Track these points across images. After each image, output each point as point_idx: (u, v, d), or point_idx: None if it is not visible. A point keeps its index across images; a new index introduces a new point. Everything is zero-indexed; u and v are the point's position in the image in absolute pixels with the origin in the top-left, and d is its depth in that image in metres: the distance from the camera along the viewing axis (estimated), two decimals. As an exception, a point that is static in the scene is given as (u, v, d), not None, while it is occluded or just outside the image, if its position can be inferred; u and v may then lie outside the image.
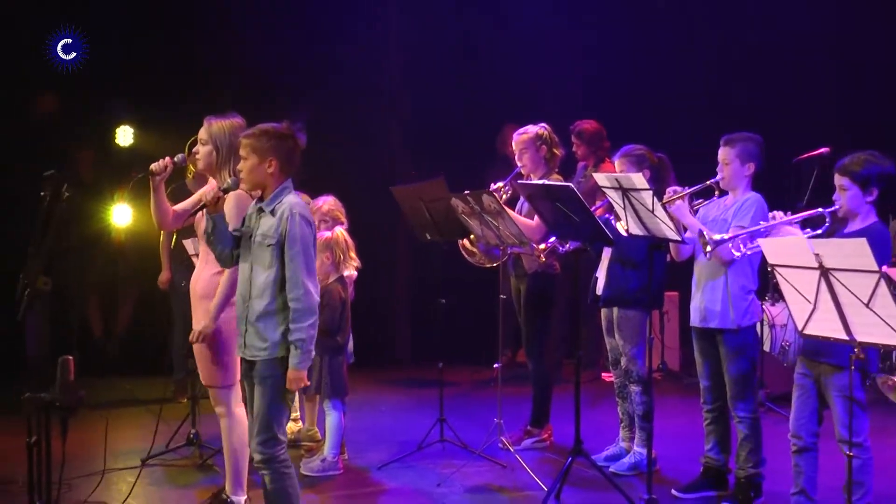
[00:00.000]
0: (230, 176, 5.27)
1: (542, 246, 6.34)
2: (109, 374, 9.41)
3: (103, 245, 9.68)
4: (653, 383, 5.61)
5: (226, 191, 4.96)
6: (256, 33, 10.18)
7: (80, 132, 10.02)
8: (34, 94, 10.06)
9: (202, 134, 5.52)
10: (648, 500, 5.43)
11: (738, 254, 5.36)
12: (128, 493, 6.05)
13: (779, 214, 5.17)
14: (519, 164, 7.00)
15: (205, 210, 4.88)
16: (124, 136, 9.85)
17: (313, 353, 4.79)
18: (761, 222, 5.40)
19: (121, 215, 8.72)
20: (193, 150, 5.60)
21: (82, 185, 9.31)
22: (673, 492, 6.05)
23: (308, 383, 4.82)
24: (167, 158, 5.57)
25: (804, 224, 5.15)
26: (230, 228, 4.93)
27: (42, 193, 5.24)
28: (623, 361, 6.55)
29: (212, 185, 5.37)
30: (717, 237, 5.30)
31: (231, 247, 4.92)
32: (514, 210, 6.81)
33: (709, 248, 5.32)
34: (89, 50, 9.88)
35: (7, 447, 6.78)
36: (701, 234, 5.34)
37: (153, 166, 5.51)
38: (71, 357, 4.60)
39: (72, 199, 5.13)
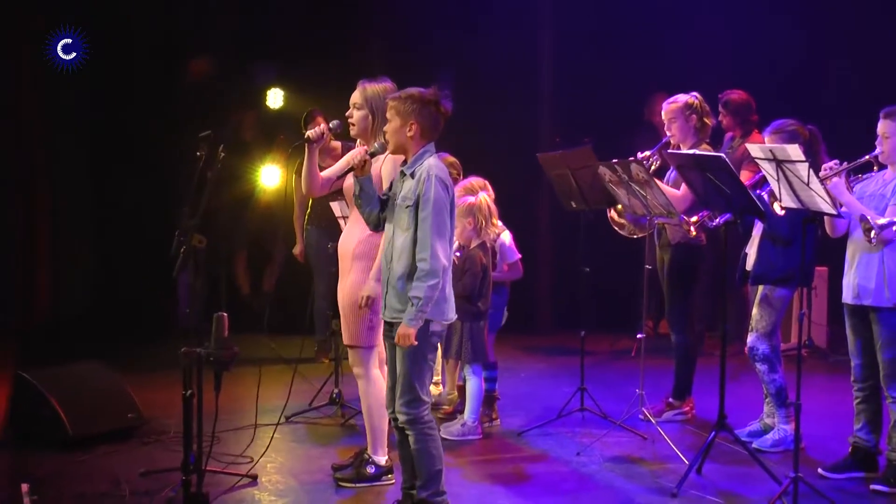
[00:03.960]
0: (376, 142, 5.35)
1: (695, 218, 6.23)
2: (255, 331, 9.63)
3: (252, 205, 9.91)
4: (799, 360, 5.44)
5: (373, 154, 5.03)
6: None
7: (233, 95, 10.26)
8: (189, 58, 10.34)
9: (357, 98, 5.56)
10: (795, 477, 5.30)
11: None
12: (266, 447, 6.17)
13: None
14: (668, 133, 6.90)
15: (353, 173, 4.96)
16: (275, 98, 10.03)
17: (426, 314, 4.77)
18: None
19: (269, 177, 8.88)
20: (346, 114, 5.63)
21: (242, 145, 9.53)
22: (819, 471, 5.91)
23: (416, 343, 4.79)
24: (323, 125, 5.62)
25: None
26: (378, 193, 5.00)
27: (198, 153, 5.37)
28: (750, 338, 6.42)
29: (360, 148, 5.41)
30: (882, 221, 5.11)
31: (378, 209, 4.98)
32: (660, 180, 6.71)
33: (874, 234, 5.14)
34: (245, 15, 10.10)
35: (159, 399, 7.03)
36: (864, 218, 5.16)
37: (310, 133, 5.56)
38: (225, 314, 4.71)
39: (227, 160, 5.25)
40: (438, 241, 4.75)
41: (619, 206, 6.82)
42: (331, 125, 5.69)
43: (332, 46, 10.00)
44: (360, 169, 4.95)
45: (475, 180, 6.93)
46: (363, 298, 5.44)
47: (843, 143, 6.06)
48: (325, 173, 5.76)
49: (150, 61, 9.88)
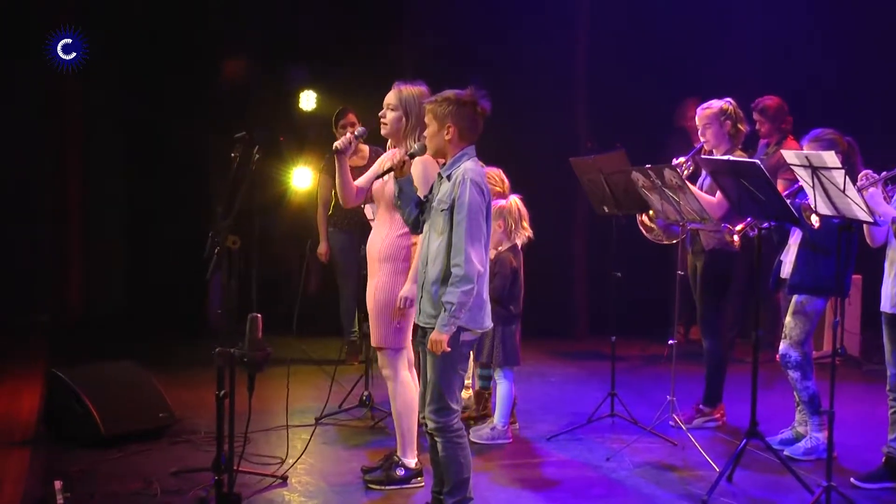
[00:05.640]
0: (415, 142, 5.37)
1: (739, 227, 6.19)
2: (286, 333, 9.62)
3: (284, 207, 9.95)
4: (833, 368, 5.39)
5: (412, 156, 5.02)
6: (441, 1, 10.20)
7: (267, 96, 10.31)
8: (223, 60, 10.39)
9: (392, 99, 5.56)
10: (827, 486, 5.27)
11: None
12: (303, 450, 6.19)
13: None
14: (702, 139, 6.87)
15: (392, 175, 4.97)
16: (307, 100, 10.05)
17: (460, 320, 4.73)
18: None
19: (301, 178, 8.90)
20: (379, 114, 5.64)
21: (275, 146, 9.56)
22: (852, 480, 5.85)
23: (448, 349, 4.77)
24: (349, 135, 5.62)
25: None
26: (418, 194, 4.99)
27: (233, 155, 5.40)
28: (782, 346, 6.37)
29: (400, 150, 5.41)
30: None
31: (417, 212, 4.97)
32: (694, 186, 6.69)
33: None
34: (277, 16, 10.14)
35: (190, 399, 7.07)
36: None
37: (338, 144, 5.59)
38: (259, 315, 4.72)
39: (261, 162, 5.27)
40: (473, 245, 4.71)
41: (651, 211, 6.80)
42: (356, 133, 5.70)
43: (366, 49, 10.02)
44: (400, 170, 4.95)
45: (492, 171, 6.85)
46: (400, 300, 5.43)
47: (878, 153, 6.01)
48: (362, 179, 5.75)
49: (183, 62, 9.93)
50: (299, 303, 10.20)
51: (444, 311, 4.71)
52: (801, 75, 9.90)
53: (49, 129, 10.21)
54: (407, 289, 5.43)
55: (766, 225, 5.95)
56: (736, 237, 6.21)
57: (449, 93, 4.88)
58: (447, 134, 4.83)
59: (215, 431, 4.94)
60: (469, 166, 4.81)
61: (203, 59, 10.08)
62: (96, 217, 10.52)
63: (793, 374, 6.34)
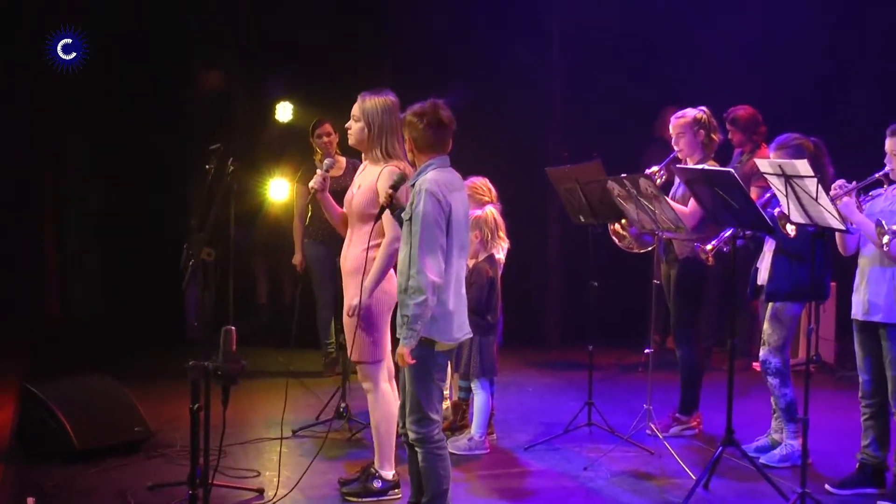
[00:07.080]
0: (381, 152, 5.49)
1: (710, 246, 6.22)
2: (263, 345, 9.61)
3: (261, 218, 9.92)
4: (807, 375, 5.42)
5: (395, 187, 5.06)
6: (417, 10, 10.18)
7: (244, 108, 10.30)
8: (200, 70, 10.38)
9: (355, 110, 5.61)
10: (802, 493, 5.29)
11: None
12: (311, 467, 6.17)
13: None
14: (676, 147, 6.91)
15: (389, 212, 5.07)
16: (284, 111, 10.02)
17: (419, 332, 4.73)
18: None
19: (277, 190, 8.88)
20: (346, 125, 5.68)
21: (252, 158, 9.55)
22: (827, 487, 5.88)
23: (413, 361, 4.77)
24: (319, 172, 5.67)
25: None
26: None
27: (207, 167, 5.39)
28: (762, 352, 6.40)
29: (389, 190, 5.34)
30: None
31: None
32: (667, 195, 6.71)
33: (886, 239, 5.14)
34: (255, 28, 10.14)
35: (166, 412, 7.03)
36: (879, 223, 5.16)
37: (312, 184, 5.64)
38: (234, 328, 4.71)
39: (237, 173, 5.27)
40: (427, 256, 4.71)
41: (623, 220, 6.83)
42: (325, 166, 5.80)
43: (342, 60, 10.01)
44: (389, 205, 5.02)
45: (478, 180, 6.87)
46: (347, 307, 5.50)
47: (859, 159, 6.02)
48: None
49: (161, 73, 9.91)
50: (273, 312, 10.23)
51: (401, 325, 4.74)
52: (780, 78, 9.95)
53: (25, 138, 10.16)
54: (354, 296, 5.46)
55: (740, 241, 5.98)
56: (710, 257, 6.25)
57: (412, 107, 4.93)
58: (408, 146, 4.94)
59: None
60: (429, 177, 4.82)
61: (180, 70, 10.06)
62: (72, 229, 10.47)
63: (772, 381, 6.37)
